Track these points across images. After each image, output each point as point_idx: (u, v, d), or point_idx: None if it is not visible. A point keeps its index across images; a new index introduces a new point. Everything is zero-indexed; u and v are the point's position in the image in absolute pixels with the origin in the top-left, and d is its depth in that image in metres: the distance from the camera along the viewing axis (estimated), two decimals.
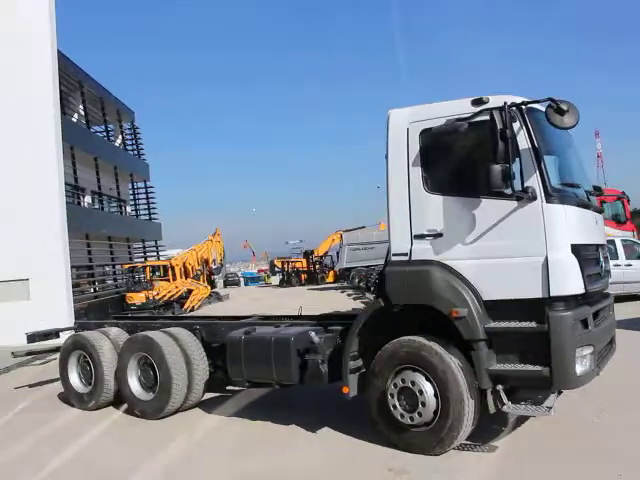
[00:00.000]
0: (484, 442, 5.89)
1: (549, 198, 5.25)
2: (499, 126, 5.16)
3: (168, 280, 27.89)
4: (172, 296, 26.27)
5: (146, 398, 7.91)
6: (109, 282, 28.48)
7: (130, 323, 9.51)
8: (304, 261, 49.84)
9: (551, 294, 5.16)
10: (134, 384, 8.05)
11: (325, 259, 48.97)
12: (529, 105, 5.42)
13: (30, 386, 10.59)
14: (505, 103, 5.23)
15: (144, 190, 33.95)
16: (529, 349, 5.27)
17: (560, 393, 5.67)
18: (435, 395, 5.54)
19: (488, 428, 6.09)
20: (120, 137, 32.27)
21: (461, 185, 5.70)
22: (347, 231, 41.65)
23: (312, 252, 48.34)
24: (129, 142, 33.39)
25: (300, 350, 6.52)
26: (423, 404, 5.58)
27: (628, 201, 21.39)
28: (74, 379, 8.88)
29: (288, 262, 51.20)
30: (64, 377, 8.96)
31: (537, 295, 5.22)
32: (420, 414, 5.60)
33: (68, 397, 8.94)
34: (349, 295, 30.42)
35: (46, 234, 16.54)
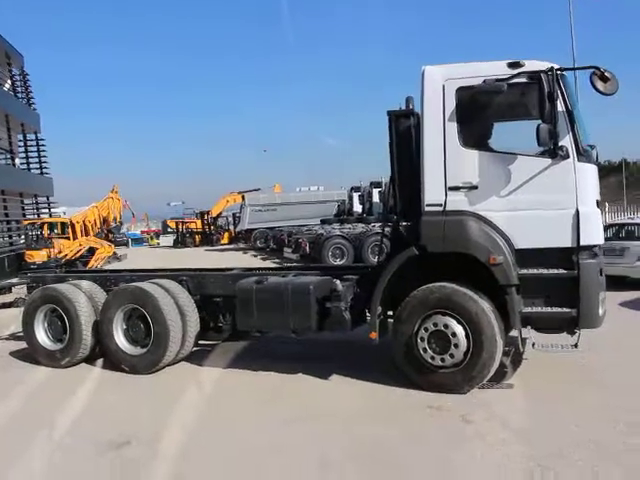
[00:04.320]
0: (497, 382, 6.36)
1: (580, 157, 5.76)
2: (546, 89, 5.54)
3: (68, 238, 26.33)
4: (75, 254, 24.89)
5: (136, 352, 7.65)
6: (2, 239, 26.31)
7: (99, 276, 9.08)
8: (198, 222, 48.82)
9: (581, 243, 5.69)
10: (120, 338, 7.75)
11: (219, 220, 48.27)
12: (562, 71, 5.84)
13: None
14: (552, 67, 5.61)
15: (35, 142, 31.33)
16: (556, 293, 5.81)
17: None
18: (466, 337, 5.93)
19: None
20: (9, 82, 29.47)
21: (498, 142, 6.05)
22: (241, 193, 41.12)
23: (207, 213, 47.47)
24: (18, 89, 30.56)
25: (319, 298, 6.64)
26: (456, 345, 5.94)
27: None
28: (41, 336, 8.34)
29: (182, 222, 49.99)
30: (29, 334, 8.39)
31: (567, 244, 5.75)
32: (452, 355, 5.97)
33: (34, 355, 8.38)
34: (254, 256, 30.21)
35: None
